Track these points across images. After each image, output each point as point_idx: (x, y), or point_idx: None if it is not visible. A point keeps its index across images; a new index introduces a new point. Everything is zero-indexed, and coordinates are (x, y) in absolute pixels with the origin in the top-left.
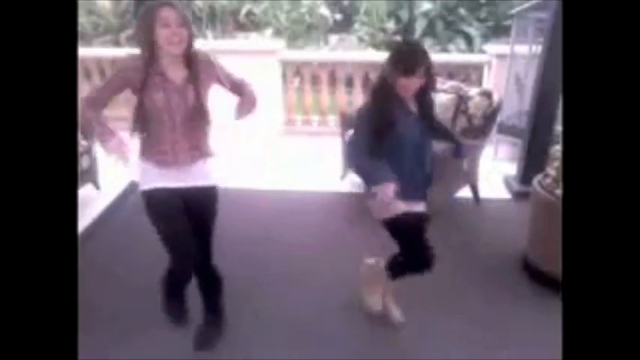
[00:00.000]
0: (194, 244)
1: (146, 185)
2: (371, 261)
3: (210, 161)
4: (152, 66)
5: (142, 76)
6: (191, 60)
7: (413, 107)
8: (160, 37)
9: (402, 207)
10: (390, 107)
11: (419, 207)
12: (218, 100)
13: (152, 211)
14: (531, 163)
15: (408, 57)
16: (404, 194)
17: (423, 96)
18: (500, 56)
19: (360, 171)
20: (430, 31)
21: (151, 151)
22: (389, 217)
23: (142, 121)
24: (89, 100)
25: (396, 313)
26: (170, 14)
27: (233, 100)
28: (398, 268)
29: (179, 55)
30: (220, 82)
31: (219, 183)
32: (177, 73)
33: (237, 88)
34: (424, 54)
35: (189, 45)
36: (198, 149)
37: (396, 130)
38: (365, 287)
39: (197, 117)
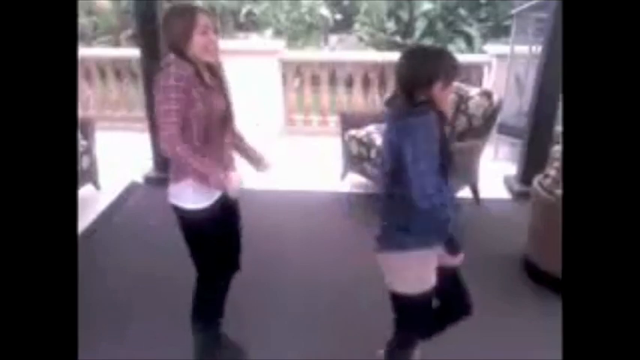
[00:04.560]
0: None
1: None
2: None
3: None
4: (196, 73)
5: (192, 84)
6: (217, 66)
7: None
8: (198, 44)
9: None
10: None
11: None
12: None
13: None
14: (531, 163)
15: (455, 62)
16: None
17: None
18: (500, 56)
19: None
20: (430, 31)
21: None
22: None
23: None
24: (177, 136)
25: None
26: (208, 22)
27: None
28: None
29: (210, 62)
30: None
31: None
32: (209, 80)
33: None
34: None
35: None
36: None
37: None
38: None
39: (230, 121)
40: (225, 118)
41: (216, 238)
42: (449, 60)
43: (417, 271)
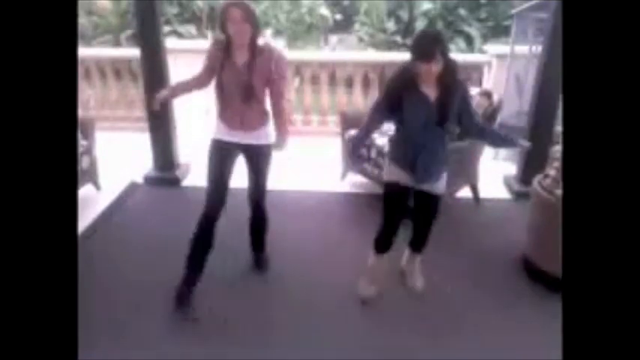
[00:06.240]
0: (251, 183)
1: (214, 136)
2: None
3: (264, 128)
4: (227, 51)
5: (221, 57)
6: (254, 49)
7: (430, 93)
8: (228, 30)
9: (394, 174)
10: (400, 89)
11: (409, 182)
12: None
13: (209, 155)
14: (531, 163)
15: (421, 42)
16: (399, 163)
17: (443, 83)
18: (500, 56)
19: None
20: None
21: (222, 114)
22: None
23: (219, 93)
24: (202, 76)
25: (418, 283)
26: (236, 13)
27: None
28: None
29: (243, 44)
30: (271, 74)
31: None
32: (240, 58)
33: (274, 97)
34: (436, 39)
35: (253, 37)
36: (252, 118)
37: (404, 110)
38: (366, 275)
39: (249, 95)
40: (246, 90)
41: (217, 166)
42: (415, 42)
43: (390, 171)
